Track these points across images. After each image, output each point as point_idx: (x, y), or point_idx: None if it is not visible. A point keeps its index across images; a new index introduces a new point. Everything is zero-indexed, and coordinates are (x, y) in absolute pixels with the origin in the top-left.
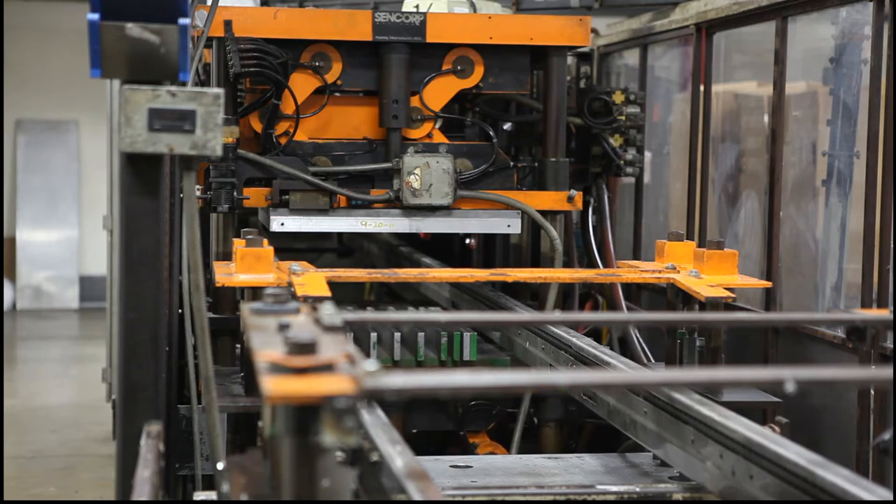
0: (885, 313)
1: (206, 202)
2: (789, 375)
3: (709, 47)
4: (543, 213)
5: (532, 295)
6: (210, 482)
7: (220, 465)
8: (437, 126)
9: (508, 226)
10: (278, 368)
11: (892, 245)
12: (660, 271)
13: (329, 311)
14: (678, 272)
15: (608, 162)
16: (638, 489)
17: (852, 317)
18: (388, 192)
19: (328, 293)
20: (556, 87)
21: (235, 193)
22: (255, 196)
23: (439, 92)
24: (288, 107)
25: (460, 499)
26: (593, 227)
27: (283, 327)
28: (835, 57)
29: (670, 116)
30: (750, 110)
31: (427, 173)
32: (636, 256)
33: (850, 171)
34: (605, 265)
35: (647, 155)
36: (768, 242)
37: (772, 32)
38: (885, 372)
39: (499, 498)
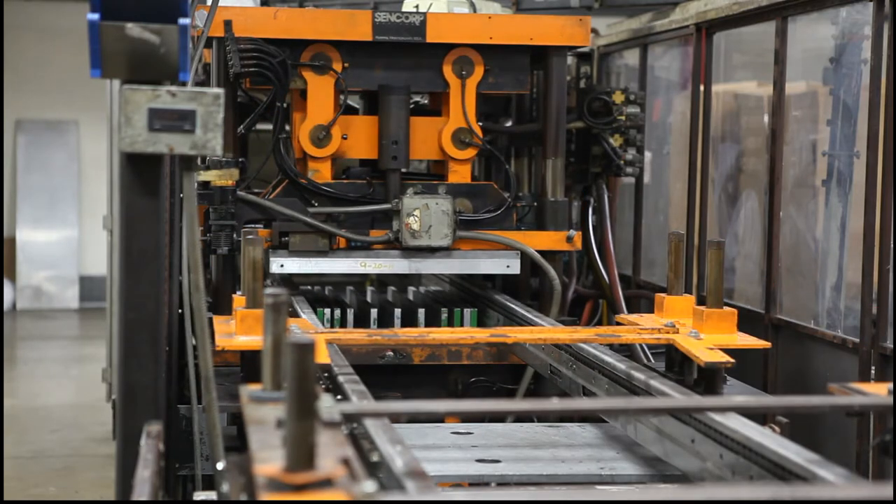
0: (884, 393)
1: (205, 244)
2: (787, 495)
3: (709, 47)
4: (543, 253)
5: (532, 295)
6: (210, 482)
7: (220, 465)
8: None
9: (508, 266)
10: (277, 485)
11: (892, 245)
12: (659, 330)
13: (328, 405)
14: (677, 331)
15: (608, 162)
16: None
17: (851, 401)
18: (388, 233)
19: (327, 360)
20: (556, 87)
21: (235, 235)
22: None
23: (471, 105)
24: (318, 115)
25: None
26: (593, 227)
27: (282, 423)
28: (835, 57)
29: (670, 116)
30: (750, 110)
31: (426, 214)
32: (636, 257)
33: (850, 171)
34: (605, 265)
35: (647, 155)
36: (768, 242)
37: (772, 32)
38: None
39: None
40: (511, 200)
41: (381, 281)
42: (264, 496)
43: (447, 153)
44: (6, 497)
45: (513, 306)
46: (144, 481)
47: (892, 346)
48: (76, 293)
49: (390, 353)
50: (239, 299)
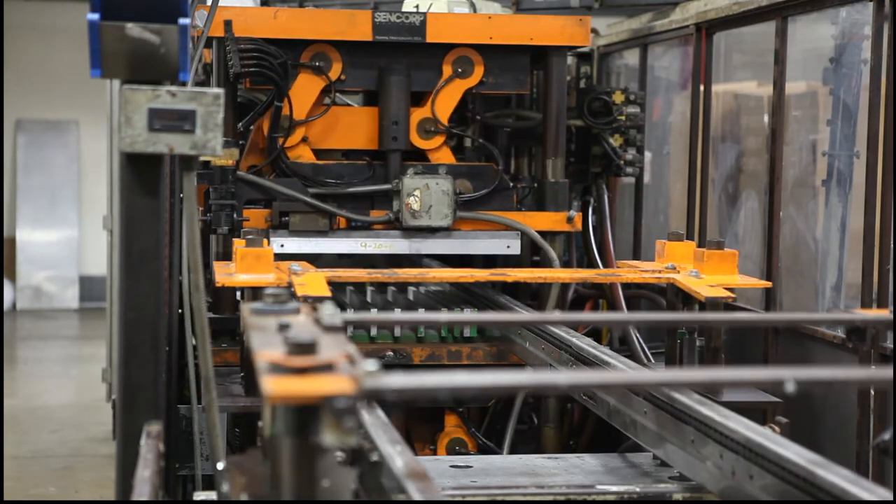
0: (885, 313)
1: (205, 224)
2: (789, 376)
3: (709, 47)
4: (543, 233)
5: (532, 295)
6: (210, 482)
7: (220, 465)
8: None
9: (508, 247)
10: (278, 368)
11: (892, 245)
12: (660, 271)
13: (329, 312)
14: (678, 272)
15: (608, 162)
16: (638, 489)
17: (852, 317)
18: (388, 213)
19: (328, 293)
20: (556, 87)
21: (235, 215)
22: (254, 217)
23: (447, 99)
24: (296, 112)
25: (460, 499)
26: (593, 227)
27: (283, 327)
28: (835, 57)
29: (670, 116)
30: (750, 110)
31: (426, 195)
32: (636, 256)
33: (850, 171)
34: (605, 265)
35: (647, 155)
36: (768, 242)
37: (772, 32)
38: (884, 372)
39: (499, 498)
40: (498, 177)
41: (381, 281)
42: (266, 380)
43: (413, 143)
44: (6, 497)
45: (513, 306)
46: (144, 481)
47: (892, 346)
48: (76, 293)
49: (390, 353)
50: (239, 241)
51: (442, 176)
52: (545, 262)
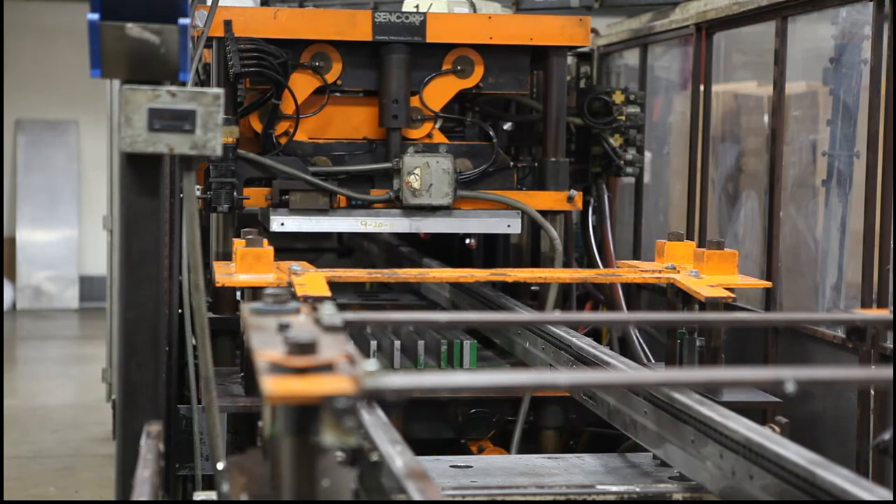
0: (885, 313)
1: (205, 202)
2: (789, 375)
3: (709, 47)
4: (543, 213)
5: (532, 295)
6: (210, 482)
7: (220, 465)
8: (437, 126)
9: (508, 226)
10: (278, 368)
11: (892, 245)
12: (660, 271)
13: (329, 312)
14: (678, 272)
15: (608, 162)
16: (638, 489)
17: (852, 317)
18: (388, 192)
19: (328, 293)
20: (556, 87)
21: (235, 193)
22: (255, 196)
23: (439, 92)
24: (288, 107)
25: (460, 499)
26: (593, 227)
27: (283, 327)
28: (835, 57)
29: (670, 116)
30: (750, 110)
31: (427, 173)
32: (636, 256)
33: (850, 171)
34: (605, 265)
35: (647, 155)
36: (768, 242)
37: (772, 32)
38: (884, 372)
39: (499, 498)
40: (494, 151)
41: (383, 284)
42: (266, 380)
43: (402, 134)
44: (6, 497)
45: (512, 306)
46: (144, 481)
47: (892, 346)
48: (76, 293)
49: None
50: (239, 241)
51: (442, 154)
52: (546, 262)
